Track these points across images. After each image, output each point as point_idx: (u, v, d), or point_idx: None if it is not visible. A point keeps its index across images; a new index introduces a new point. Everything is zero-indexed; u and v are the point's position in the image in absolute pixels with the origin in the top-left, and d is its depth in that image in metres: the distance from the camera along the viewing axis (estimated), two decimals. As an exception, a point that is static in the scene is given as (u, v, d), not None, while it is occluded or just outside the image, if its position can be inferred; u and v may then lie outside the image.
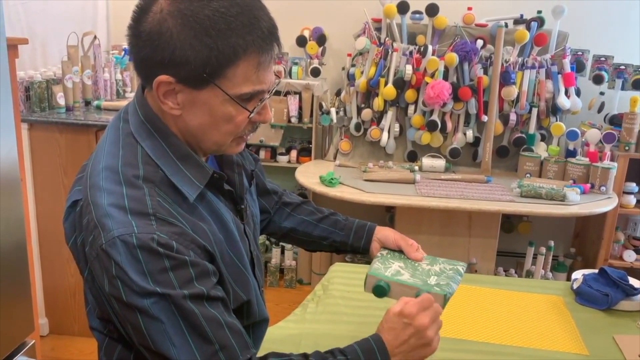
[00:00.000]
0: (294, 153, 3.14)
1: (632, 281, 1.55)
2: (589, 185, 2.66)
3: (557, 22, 2.83)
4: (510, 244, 3.19)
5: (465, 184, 2.72)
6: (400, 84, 2.85)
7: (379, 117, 3.00)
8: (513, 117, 2.88)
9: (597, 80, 2.86)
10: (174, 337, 0.82)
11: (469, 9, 2.93)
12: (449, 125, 2.93)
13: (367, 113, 2.96)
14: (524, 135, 2.91)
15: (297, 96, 3.02)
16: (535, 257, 2.89)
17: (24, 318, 1.45)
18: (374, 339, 0.95)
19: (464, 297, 1.53)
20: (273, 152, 3.18)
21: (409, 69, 2.81)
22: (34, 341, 1.47)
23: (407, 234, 1.23)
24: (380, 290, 1.06)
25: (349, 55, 3.04)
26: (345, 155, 3.04)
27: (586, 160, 2.73)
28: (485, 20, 2.92)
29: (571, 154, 2.89)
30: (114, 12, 3.30)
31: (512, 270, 3.03)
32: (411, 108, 2.94)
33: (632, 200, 2.81)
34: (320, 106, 3.05)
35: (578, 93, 2.86)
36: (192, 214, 0.90)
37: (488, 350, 1.30)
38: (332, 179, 2.59)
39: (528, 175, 2.83)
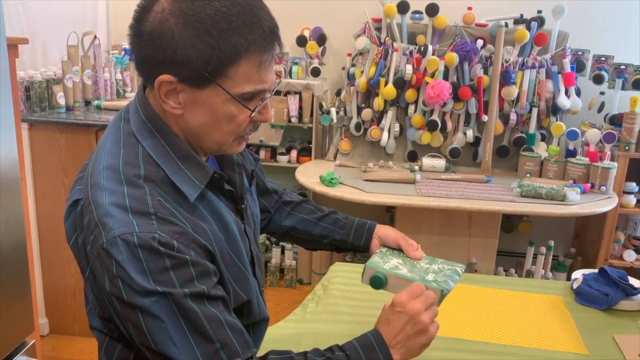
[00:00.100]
0: (294, 153, 3.14)
1: (632, 281, 1.55)
2: (589, 185, 2.66)
3: (557, 22, 2.83)
4: (511, 244, 3.20)
5: (465, 183, 2.72)
6: (401, 84, 2.85)
7: (379, 117, 3.00)
8: (513, 117, 2.88)
9: (597, 80, 2.86)
10: (175, 336, 0.82)
11: (469, 8, 2.93)
12: (449, 125, 2.93)
13: (367, 113, 2.96)
14: (524, 135, 2.91)
15: (297, 96, 3.02)
16: (535, 257, 2.89)
17: (24, 318, 1.45)
18: (372, 334, 0.95)
19: (464, 297, 1.53)
20: (273, 152, 3.18)
21: (409, 68, 2.81)
22: (34, 341, 1.47)
23: (407, 234, 1.23)
24: (377, 281, 1.06)
25: (349, 55, 3.04)
26: (345, 155, 3.04)
27: (586, 160, 2.73)
28: (485, 20, 2.92)
29: (571, 153, 2.89)
30: (114, 12, 3.30)
31: (512, 270, 3.03)
32: (411, 108, 2.94)
33: (632, 200, 2.82)
34: (321, 106, 3.05)
35: (578, 93, 2.86)
36: (193, 214, 0.90)
37: (488, 350, 1.30)
38: (332, 178, 2.59)
39: (528, 175, 2.83)
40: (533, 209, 2.45)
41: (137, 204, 0.84)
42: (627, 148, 2.72)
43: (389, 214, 3.15)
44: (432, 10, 2.85)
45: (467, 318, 1.43)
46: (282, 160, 3.13)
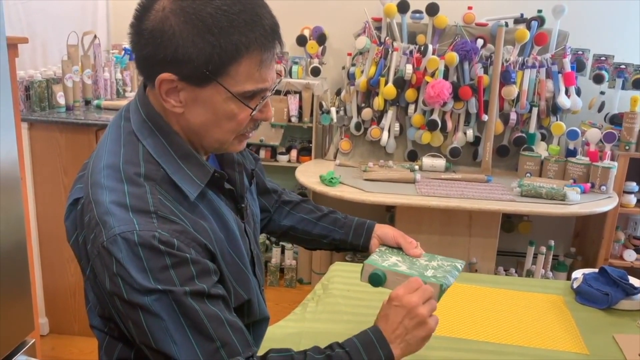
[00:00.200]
0: (294, 152, 3.14)
1: (632, 280, 1.55)
2: (589, 184, 2.66)
3: (558, 22, 2.83)
4: (511, 244, 3.19)
5: (465, 183, 2.72)
6: (401, 83, 2.85)
7: (379, 117, 3.00)
8: (513, 116, 2.87)
9: (598, 79, 2.86)
10: (175, 335, 0.82)
11: (469, 8, 2.92)
12: (449, 125, 2.93)
13: (367, 112, 2.96)
14: (524, 135, 2.91)
15: (297, 95, 3.02)
16: (535, 256, 2.89)
17: (24, 317, 1.45)
18: (372, 330, 0.95)
19: (465, 297, 1.53)
20: (273, 152, 3.18)
21: (409, 68, 2.81)
22: (34, 340, 1.47)
23: (407, 234, 1.23)
24: (376, 278, 1.06)
25: (349, 54, 3.04)
26: (345, 155, 3.04)
27: (586, 159, 2.73)
28: (485, 19, 2.92)
29: (571, 153, 2.89)
30: (114, 12, 3.30)
31: (513, 270, 3.03)
32: (411, 107, 2.94)
33: (632, 199, 2.81)
34: (321, 105, 3.05)
35: (578, 92, 2.86)
36: (193, 213, 0.90)
37: (488, 349, 1.30)
38: (332, 178, 2.59)
39: (528, 174, 2.83)
40: (533, 208, 2.45)
41: (138, 202, 0.84)
42: (627, 148, 2.72)
43: (389, 213, 3.14)
44: (432, 9, 2.85)
45: (468, 317, 1.43)
46: (282, 159, 3.13)
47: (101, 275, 0.84)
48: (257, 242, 1.10)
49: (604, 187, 2.63)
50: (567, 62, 2.81)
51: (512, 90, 2.80)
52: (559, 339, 1.34)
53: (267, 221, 1.30)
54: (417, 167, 2.84)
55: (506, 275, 2.95)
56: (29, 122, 2.36)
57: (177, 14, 0.82)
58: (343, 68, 3.12)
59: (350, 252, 2.84)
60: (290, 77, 3.07)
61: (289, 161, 3.13)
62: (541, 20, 2.84)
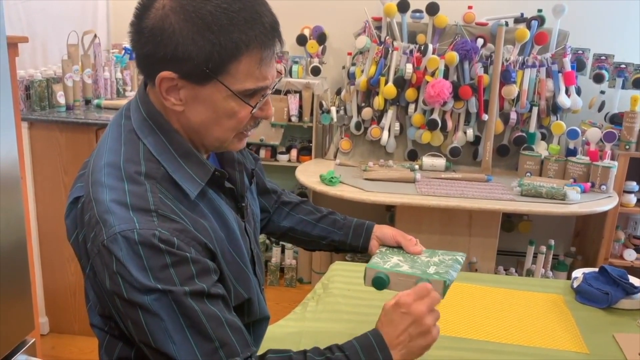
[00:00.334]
0: (294, 152, 3.14)
1: (632, 280, 1.55)
2: (589, 184, 2.66)
3: (558, 21, 2.83)
4: (511, 243, 3.19)
5: (465, 182, 2.72)
6: (401, 83, 2.85)
7: (379, 116, 3.00)
8: (513, 116, 2.87)
9: (598, 79, 2.86)
10: (174, 334, 0.82)
11: (470, 7, 2.92)
12: (450, 124, 2.93)
13: (367, 112, 2.96)
14: (524, 134, 2.91)
15: (298, 95, 3.02)
16: (535, 256, 2.89)
17: (24, 316, 1.45)
18: (372, 334, 0.94)
19: (465, 296, 1.53)
20: (273, 151, 3.18)
21: (409, 67, 2.81)
22: (34, 340, 1.47)
23: (408, 233, 1.23)
24: (379, 282, 1.06)
25: (349, 54, 3.04)
26: (345, 154, 3.04)
27: (586, 159, 2.73)
28: (485, 19, 2.92)
29: (571, 152, 2.88)
30: (114, 11, 3.30)
31: (513, 269, 3.03)
32: (411, 107, 2.93)
33: (632, 199, 2.81)
34: (321, 105, 3.05)
35: (578, 92, 2.86)
36: (194, 211, 0.90)
37: (488, 348, 1.30)
38: (332, 177, 2.59)
39: (528, 174, 2.82)
40: (533, 208, 2.45)
41: (138, 200, 0.84)
42: (627, 147, 2.72)
43: (389, 213, 3.14)
44: (433, 9, 2.85)
45: (468, 317, 1.43)
46: (282, 159, 3.13)
47: (101, 273, 0.84)
48: (257, 241, 1.11)
49: (604, 187, 2.63)
50: (567, 61, 2.81)
51: (512, 90, 2.80)
52: (559, 338, 1.34)
53: (267, 222, 1.30)
54: (417, 166, 2.84)
55: (506, 274, 2.95)
56: (29, 121, 2.36)
57: (177, 12, 0.82)
58: (343, 67, 3.12)
59: (349, 252, 2.86)
60: (291, 76, 3.07)
61: (289, 161, 3.13)
62: (541, 20, 2.84)
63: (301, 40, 3.09)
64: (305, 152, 3.15)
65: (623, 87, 2.87)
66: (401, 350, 0.92)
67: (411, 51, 2.85)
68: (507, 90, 2.82)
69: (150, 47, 0.84)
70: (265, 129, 3.05)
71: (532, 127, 2.90)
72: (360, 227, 1.26)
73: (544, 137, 2.96)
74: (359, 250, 1.27)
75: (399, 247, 1.20)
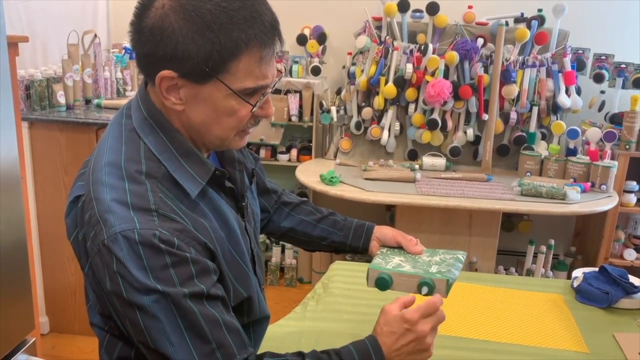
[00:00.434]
0: (294, 152, 3.14)
1: (633, 279, 1.55)
2: (589, 183, 2.66)
3: (558, 21, 2.83)
4: (511, 243, 3.19)
5: (465, 182, 2.72)
6: (401, 83, 2.85)
7: (379, 116, 3.00)
8: (513, 115, 2.87)
9: (598, 78, 2.86)
10: (172, 336, 0.82)
11: (470, 7, 2.92)
12: (450, 124, 2.93)
13: (367, 112, 2.96)
14: (524, 134, 2.91)
15: (298, 95, 3.02)
16: (535, 255, 2.89)
17: (25, 316, 1.45)
18: (371, 342, 0.95)
19: (465, 295, 1.53)
20: (273, 151, 3.18)
21: (409, 67, 2.81)
22: (34, 339, 1.47)
23: (408, 233, 1.23)
24: (382, 282, 1.06)
25: (350, 53, 3.04)
26: (345, 154, 3.04)
27: (587, 158, 2.73)
28: (485, 18, 2.92)
29: (572, 152, 2.89)
30: (114, 11, 3.30)
31: (513, 269, 3.03)
32: (412, 107, 2.93)
33: (632, 198, 2.81)
34: (321, 105, 3.05)
35: (579, 92, 2.86)
36: (194, 211, 0.90)
37: (488, 348, 1.30)
38: (332, 177, 2.59)
39: (528, 173, 2.82)
40: (533, 207, 2.45)
41: (139, 200, 0.84)
42: (627, 147, 2.72)
43: (389, 212, 3.14)
44: (433, 8, 2.85)
45: (468, 316, 1.43)
46: (283, 159, 3.13)
47: (101, 273, 0.84)
48: (257, 241, 1.11)
49: (604, 186, 2.63)
50: (567, 61, 2.81)
51: (513, 90, 2.80)
52: (559, 338, 1.34)
53: (267, 222, 1.30)
54: (417, 166, 2.84)
55: (506, 274, 2.95)
56: (30, 121, 2.36)
57: (176, 12, 0.82)
58: (343, 67, 3.12)
59: (349, 253, 2.86)
60: (291, 76, 3.07)
61: (289, 160, 3.13)
62: (541, 20, 2.84)
63: (301, 40, 3.09)
64: (305, 151, 3.15)
65: (623, 87, 2.87)
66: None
67: (411, 51, 2.85)
68: (507, 90, 2.82)
69: (150, 46, 0.84)
70: (265, 128, 3.05)
71: (532, 126, 2.90)
72: (360, 228, 1.26)
73: (544, 137, 2.96)
74: (359, 251, 1.27)
75: (399, 248, 1.20)
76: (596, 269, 1.61)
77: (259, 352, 0.94)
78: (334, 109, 2.99)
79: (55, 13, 2.77)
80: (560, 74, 2.83)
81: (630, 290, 1.50)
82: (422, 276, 1.04)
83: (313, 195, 3.08)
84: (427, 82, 2.81)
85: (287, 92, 3.00)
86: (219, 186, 0.97)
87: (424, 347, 0.95)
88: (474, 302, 1.51)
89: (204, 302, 0.84)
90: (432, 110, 2.91)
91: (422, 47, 2.83)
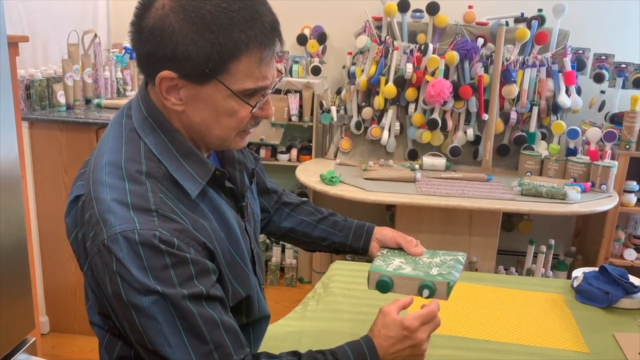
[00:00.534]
0: (294, 151, 3.14)
1: (633, 279, 1.55)
2: (589, 183, 2.66)
3: (558, 21, 2.83)
4: (511, 243, 3.19)
5: (465, 182, 2.72)
6: (401, 83, 2.85)
7: (379, 116, 3.00)
8: (514, 115, 2.87)
9: (598, 78, 2.86)
10: (170, 337, 0.82)
11: (470, 7, 2.92)
12: (450, 124, 2.93)
13: (367, 111, 2.96)
14: (524, 134, 2.91)
15: (298, 95, 3.02)
16: (535, 255, 2.89)
17: (25, 316, 1.45)
18: (366, 342, 0.96)
19: (465, 295, 1.53)
20: (273, 151, 3.18)
21: (409, 67, 2.81)
22: (34, 339, 1.47)
23: (408, 233, 1.23)
24: (383, 285, 1.06)
25: (350, 53, 3.04)
26: (345, 154, 3.04)
27: (587, 158, 2.73)
28: (486, 18, 2.92)
29: (572, 152, 2.89)
30: (114, 11, 3.30)
31: (513, 269, 3.03)
32: (412, 106, 2.93)
33: (632, 198, 2.81)
34: (321, 105, 3.05)
35: (579, 91, 2.86)
36: (194, 211, 0.90)
37: (489, 347, 1.30)
38: (332, 177, 2.59)
39: (529, 173, 2.83)
40: (533, 207, 2.45)
41: (139, 200, 0.84)
42: (627, 147, 2.72)
43: (389, 212, 3.15)
44: (433, 8, 2.85)
45: (468, 316, 1.43)
46: (283, 159, 3.13)
47: (100, 272, 0.84)
48: (257, 241, 1.11)
49: (604, 186, 2.63)
50: (567, 61, 2.81)
51: (513, 90, 2.80)
52: (559, 338, 1.34)
53: (267, 222, 1.30)
54: (417, 166, 2.85)
55: (506, 274, 2.95)
56: (30, 121, 2.36)
57: (176, 12, 0.82)
58: (343, 67, 3.12)
59: (349, 254, 2.86)
60: (291, 76, 3.07)
61: (290, 160, 3.13)
62: (541, 20, 2.84)
63: (301, 39, 3.09)
64: (305, 151, 3.15)
65: (623, 87, 2.87)
66: None
67: (411, 51, 2.85)
68: (507, 90, 2.82)
69: (150, 46, 0.84)
70: (265, 128, 3.05)
71: (533, 126, 2.90)
72: (360, 229, 1.26)
73: (544, 137, 2.96)
74: (359, 252, 1.27)
75: (399, 249, 1.20)
76: (596, 269, 1.61)
77: (260, 350, 0.94)
78: (334, 109, 2.99)
79: (55, 13, 2.77)
80: (560, 74, 2.83)
81: (630, 290, 1.50)
82: (423, 279, 1.04)
83: (313, 195, 3.08)
84: (427, 82, 2.81)
85: (287, 92, 3.00)
86: (219, 186, 0.97)
87: (419, 352, 0.98)
88: (474, 302, 1.51)
89: (202, 302, 0.84)
90: (432, 110, 2.91)
91: (422, 47, 2.83)
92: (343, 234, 1.26)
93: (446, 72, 2.83)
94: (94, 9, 3.13)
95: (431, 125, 2.89)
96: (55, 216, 2.41)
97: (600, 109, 2.89)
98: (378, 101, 2.90)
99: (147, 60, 0.86)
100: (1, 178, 1.34)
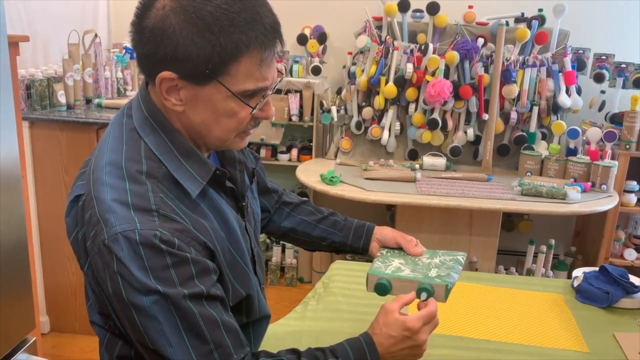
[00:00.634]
0: (294, 151, 3.14)
1: (633, 279, 1.55)
2: (589, 183, 2.66)
3: (558, 21, 2.83)
4: (511, 243, 3.20)
5: (466, 182, 2.72)
6: (401, 83, 2.85)
7: (379, 116, 3.00)
8: (514, 115, 2.87)
9: (598, 78, 2.86)
10: (171, 337, 0.82)
11: (470, 7, 2.92)
12: (450, 124, 2.93)
13: (367, 111, 2.96)
14: (524, 134, 2.91)
15: (298, 94, 3.02)
16: (535, 255, 2.89)
17: (25, 315, 1.45)
18: (366, 340, 0.96)
19: (465, 295, 1.54)
20: (274, 151, 3.18)
21: (409, 67, 2.81)
22: (34, 338, 1.47)
23: (408, 233, 1.23)
24: (382, 287, 1.06)
25: (350, 53, 3.04)
26: (346, 154, 3.04)
27: (587, 158, 2.73)
28: (486, 18, 2.92)
29: (572, 152, 2.89)
30: (114, 11, 3.30)
31: (513, 269, 3.03)
32: (412, 106, 2.94)
33: (632, 198, 2.81)
34: (321, 104, 3.05)
35: (579, 91, 2.86)
36: (194, 211, 0.90)
37: (489, 347, 1.30)
38: (332, 177, 2.59)
39: (529, 173, 2.83)
40: (534, 207, 2.45)
41: (139, 200, 0.84)
42: (627, 147, 2.72)
43: (389, 212, 3.15)
44: (433, 8, 2.85)
45: (468, 316, 1.43)
46: (283, 158, 3.13)
47: (101, 272, 0.84)
48: (257, 241, 1.11)
49: (604, 186, 2.63)
50: (567, 61, 2.81)
51: (513, 89, 2.80)
52: (560, 337, 1.34)
53: (267, 222, 1.30)
54: (417, 166, 2.85)
55: (507, 274, 2.95)
56: (30, 120, 2.36)
57: (177, 13, 0.82)
58: (344, 67, 3.12)
59: (349, 254, 2.86)
60: (291, 76, 3.07)
61: (290, 160, 3.13)
62: (542, 19, 2.84)
63: (302, 39, 3.09)
64: (305, 151, 3.15)
65: (623, 87, 2.87)
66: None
67: (412, 51, 2.85)
68: (507, 90, 2.82)
69: (151, 47, 0.84)
70: (265, 128, 3.05)
71: (533, 126, 2.90)
72: (360, 228, 1.26)
73: (544, 137, 2.96)
74: (359, 252, 1.27)
75: (399, 249, 1.20)
76: (596, 269, 1.61)
77: (261, 349, 0.94)
78: (334, 109, 2.99)
79: (55, 13, 2.77)
80: (560, 74, 2.83)
81: (630, 289, 1.50)
82: (421, 281, 1.04)
83: (313, 195, 3.09)
84: (428, 81, 2.81)
85: (288, 91, 3.00)
86: (219, 186, 0.97)
87: (418, 352, 0.99)
88: (474, 301, 1.51)
89: (203, 302, 0.84)
90: (432, 110, 2.91)
91: (423, 47, 2.83)
92: (343, 233, 1.27)
93: (446, 72, 2.84)
94: (95, 8, 3.13)
95: (431, 125, 2.89)
96: (56, 216, 2.41)
97: (601, 109, 2.89)
98: (378, 101, 2.90)
99: (148, 60, 0.86)
100: (1, 178, 1.34)
